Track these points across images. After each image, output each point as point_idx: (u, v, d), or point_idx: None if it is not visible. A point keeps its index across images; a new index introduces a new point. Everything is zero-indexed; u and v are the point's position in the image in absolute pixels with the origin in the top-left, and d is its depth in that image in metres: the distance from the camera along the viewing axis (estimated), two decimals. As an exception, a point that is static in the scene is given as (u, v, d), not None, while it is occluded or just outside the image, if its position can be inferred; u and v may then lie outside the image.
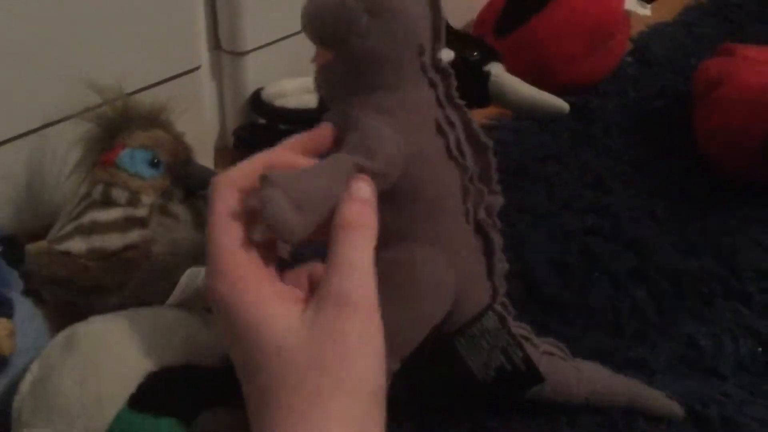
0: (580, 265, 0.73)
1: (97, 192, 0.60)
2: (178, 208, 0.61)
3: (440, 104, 0.47)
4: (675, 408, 0.58)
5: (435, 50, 0.47)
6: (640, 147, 0.89)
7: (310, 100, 0.80)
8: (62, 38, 0.64)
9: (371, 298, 0.38)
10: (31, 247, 0.59)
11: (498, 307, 0.52)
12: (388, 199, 0.44)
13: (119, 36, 0.68)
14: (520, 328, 0.54)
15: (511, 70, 0.81)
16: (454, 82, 0.48)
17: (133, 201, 0.60)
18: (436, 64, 0.47)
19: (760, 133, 0.76)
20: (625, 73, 1.01)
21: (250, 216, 0.40)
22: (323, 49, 0.47)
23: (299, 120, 0.80)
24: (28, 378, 0.49)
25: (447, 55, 0.78)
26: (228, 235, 0.39)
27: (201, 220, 0.62)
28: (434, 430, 0.57)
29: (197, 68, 0.76)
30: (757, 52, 0.87)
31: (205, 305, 0.53)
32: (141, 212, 0.60)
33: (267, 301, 0.37)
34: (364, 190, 0.41)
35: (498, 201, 0.50)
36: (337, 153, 0.43)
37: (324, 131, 0.45)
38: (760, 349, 0.65)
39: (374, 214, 0.41)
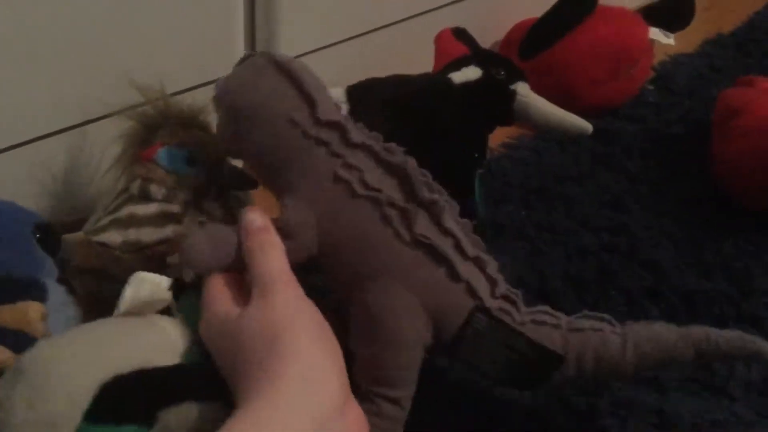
0: (595, 282, 0.74)
1: (135, 187, 0.62)
2: (212, 206, 0.63)
3: (336, 155, 0.51)
4: (758, 344, 0.51)
5: (315, 112, 0.51)
6: (659, 170, 0.91)
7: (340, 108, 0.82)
8: (106, 38, 0.67)
9: (287, 273, 0.47)
10: (69, 237, 0.61)
11: (494, 303, 0.51)
12: (323, 261, 0.51)
13: (161, 39, 0.70)
14: (534, 313, 0.53)
15: (534, 91, 0.83)
16: (351, 127, 0.52)
17: (169, 197, 0.62)
18: (320, 122, 0.51)
19: (775, 162, 0.78)
20: (647, 99, 1.03)
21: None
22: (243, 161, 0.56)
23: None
24: None
25: (474, 73, 0.80)
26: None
27: (232, 217, 0.64)
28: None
29: (233, 74, 0.78)
30: (777, 85, 0.89)
31: (156, 310, 0.54)
32: (176, 208, 0.62)
33: (219, 299, 0.48)
34: (255, 220, 0.49)
35: (439, 205, 0.50)
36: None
37: None
38: (770, 371, 0.67)
39: (273, 235, 0.49)
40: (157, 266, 0.61)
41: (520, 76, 0.80)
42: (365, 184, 0.50)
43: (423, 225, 0.50)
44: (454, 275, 0.50)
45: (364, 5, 0.85)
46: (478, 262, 0.51)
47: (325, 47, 0.84)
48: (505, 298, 0.52)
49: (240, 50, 0.78)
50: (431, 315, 0.50)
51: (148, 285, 0.53)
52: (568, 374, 0.52)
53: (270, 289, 0.46)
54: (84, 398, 0.46)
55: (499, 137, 0.94)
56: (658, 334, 0.52)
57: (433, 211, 0.50)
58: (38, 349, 0.49)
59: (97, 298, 0.63)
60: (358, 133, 0.52)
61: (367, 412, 0.49)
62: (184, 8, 0.70)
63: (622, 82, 0.97)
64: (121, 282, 0.62)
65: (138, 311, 0.53)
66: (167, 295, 0.54)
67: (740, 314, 0.72)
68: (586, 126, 0.77)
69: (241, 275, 0.50)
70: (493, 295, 0.52)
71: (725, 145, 0.86)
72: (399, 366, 0.51)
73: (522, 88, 0.79)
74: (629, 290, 0.73)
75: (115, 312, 0.53)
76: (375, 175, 0.50)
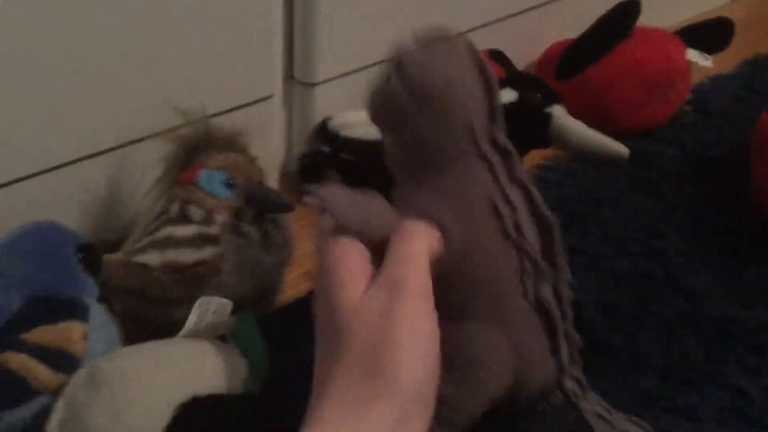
0: (630, 309, 0.74)
1: (175, 209, 0.63)
2: (249, 229, 0.64)
3: (499, 183, 0.47)
4: None
5: (492, 130, 0.47)
6: (696, 195, 0.90)
7: (374, 132, 0.82)
8: (146, 62, 0.68)
9: (425, 286, 0.41)
10: (109, 258, 0.62)
11: (569, 384, 0.51)
12: (443, 279, 0.44)
13: (200, 62, 0.72)
14: (597, 405, 0.52)
15: (570, 113, 0.83)
16: (518, 160, 0.48)
17: (208, 219, 0.63)
18: (494, 143, 0.47)
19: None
20: (684, 121, 1.02)
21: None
22: (385, 134, 0.49)
23: (362, 150, 0.82)
24: (55, 418, 0.49)
25: (509, 95, 0.80)
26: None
27: (269, 240, 0.65)
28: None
29: (270, 96, 0.79)
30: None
31: (217, 334, 0.55)
32: (214, 230, 0.63)
33: (347, 276, 0.41)
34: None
35: (565, 276, 0.49)
36: None
37: None
38: (809, 402, 0.66)
39: (430, 229, 0.43)
40: (195, 287, 0.62)
41: (556, 99, 0.80)
42: (518, 228, 0.47)
43: (546, 288, 0.48)
44: (554, 348, 0.49)
45: (402, 25, 0.85)
46: (571, 340, 0.50)
47: (364, 68, 0.84)
48: (578, 381, 0.51)
49: (276, 74, 0.79)
50: (516, 377, 0.49)
51: (213, 308, 0.55)
52: None
53: (403, 289, 0.40)
54: (165, 414, 0.47)
55: (534, 158, 0.94)
56: None
57: (558, 276, 0.48)
58: (117, 361, 0.50)
59: (136, 318, 0.64)
60: (520, 167, 0.48)
61: None
62: (222, 30, 0.72)
63: (659, 105, 0.97)
64: (160, 302, 0.64)
65: (201, 334, 0.54)
66: (230, 320, 0.55)
67: (778, 343, 0.71)
68: (623, 150, 0.77)
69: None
70: (570, 375, 0.51)
71: (763, 170, 0.84)
72: (473, 413, 0.49)
73: (557, 111, 0.79)
74: (665, 317, 0.73)
75: (180, 333, 0.54)
76: (524, 219, 0.47)
